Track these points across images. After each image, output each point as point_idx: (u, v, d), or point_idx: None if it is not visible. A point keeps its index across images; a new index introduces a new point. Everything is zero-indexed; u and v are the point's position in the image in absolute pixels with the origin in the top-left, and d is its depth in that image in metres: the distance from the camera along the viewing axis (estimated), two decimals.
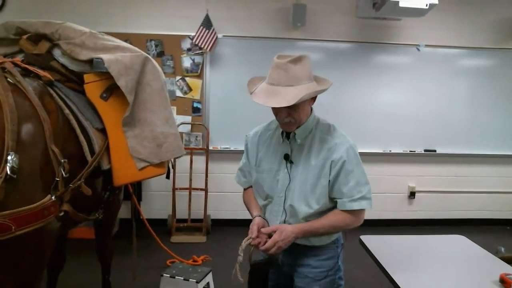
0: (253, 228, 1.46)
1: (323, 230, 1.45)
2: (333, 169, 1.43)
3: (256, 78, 1.51)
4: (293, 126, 1.46)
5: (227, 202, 4.21)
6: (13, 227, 1.31)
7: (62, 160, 1.52)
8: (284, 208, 1.51)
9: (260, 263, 1.55)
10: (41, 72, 1.71)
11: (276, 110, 1.43)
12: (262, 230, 1.43)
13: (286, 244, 1.38)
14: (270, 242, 1.37)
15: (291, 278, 1.62)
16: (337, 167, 1.42)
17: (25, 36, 1.90)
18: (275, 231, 1.39)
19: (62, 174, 1.52)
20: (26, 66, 1.68)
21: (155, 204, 4.21)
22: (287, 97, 1.32)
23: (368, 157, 4.30)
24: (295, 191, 1.48)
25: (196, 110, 4.12)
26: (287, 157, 1.50)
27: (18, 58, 1.78)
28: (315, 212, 1.47)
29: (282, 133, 1.52)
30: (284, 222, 1.52)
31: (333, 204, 1.48)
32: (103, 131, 1.89)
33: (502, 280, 1.68)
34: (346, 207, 1.43)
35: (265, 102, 1.35)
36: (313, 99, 1.48)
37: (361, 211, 1.47)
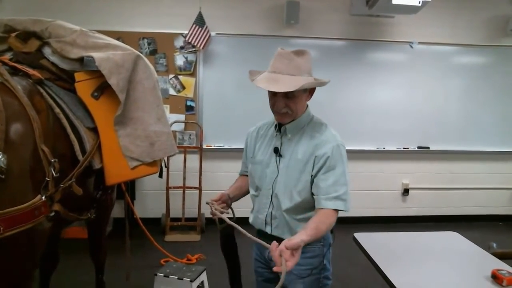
0: (217, 195, 1.64)
1: (324, 233, 1.39)
2: (316, 165, 1.44)
3: (255, 70, 1.53)
4: (288, 117, 1.48)
5: None
6: (2, 228, 1.30)
7: (53, 160, 1.50)
8: (271, 200, 1.54)
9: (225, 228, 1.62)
10: (30, 71, 1.69)
11: (274, 100, 1.45)
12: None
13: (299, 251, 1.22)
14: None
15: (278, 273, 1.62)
16: (320, 162, 1.43)
17: (13, 34, 1.87)
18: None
19: (53, 174, 1.51)
20: (15, 64, 1.66)
21: (149, 203, 4.19)
22: (288, 84, 1.35)
23: (362, 155, 4.34)
24: (281, 185, 1.50)
25: (189, 109, 4.10)
26: (276, 151, 1.53)
27: (6, 57, 1.76)
28: (296, 206, 1.48)
29: (275, 126, 1.55)
30: (271, 214, 1.54)
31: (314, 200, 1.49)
32: (94, 130, 1.88)
33: (494, 276, 1.70)
34: (321, 205, 1.42)
35: (266, 87, 1.38)
36: (310, 94, 1.50)
37: (336, 212, 1.45)
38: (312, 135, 1.49)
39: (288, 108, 1.44)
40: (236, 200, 1.75)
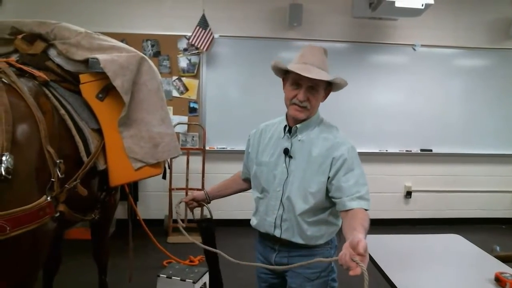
0: (190, 195, 1.76)
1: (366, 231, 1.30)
2: (334, 166, 1.43)
3: (280, 62, 1.52)
4: (304, 113, 1.46)
5: (224, 203, 4.15)
6: (8, 228, 1.31)
7: (58, 161, 1.51)
8: (281, 202, 1.52)
9: (203, 220, 1.87)
10: (36, 72, 1.70)
11: (297, 92, 1.44)
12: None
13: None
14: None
15: (284, 278, 1.63)
16: (337, 164, 1.42)
17: (20, 36, 1.89)
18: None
19: (58, 175, 1.52)
20: (21, 66, 1.67)
21: (152, 204, 4.20)
22: (321, 75, 1.39)
23: (364, 157, 4.26)
24: (293, 186, 1.48)
25: (192, 110, 4.12)
26: (286, 152, 1.51)
27: (13, 58, 1.77)
28: (310, 208, 1.47)
29: (284, 128, 1.54)
30: (281, 217, 1.52)
31: (328, 202, 1.48)
32: (99, 131, 1.89)
33: (497, 279, 1.70)
34: (346, 207, 1.39)
35: (302, 72, 1.37)
36: (325, 96, 1.52)
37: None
38: (325, 137, 1.49)
39: (307, 102, 1.44)
40: (218, 198, 1.83)
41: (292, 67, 1.42)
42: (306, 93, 1.43)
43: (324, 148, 1.46)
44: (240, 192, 1.85)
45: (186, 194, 4.00)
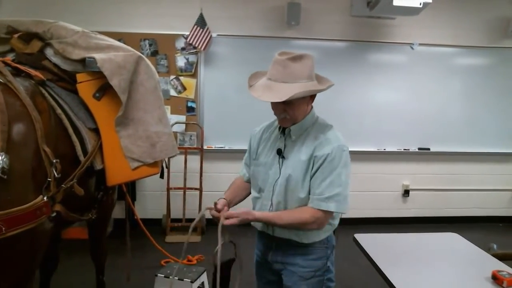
0: (220, 201, 1.51)
1: (284, 223, 1.44)
2: (316, 164, 1.43)
3: (260, 72, 1.53)
4: (288, 122, 1.49)
5: None
6: (4, 228, 1.30)
7: (54, 160, 1.51)
8: (271, 201, 1.53)
9: (224, 263, 1.51)
10: (33, 72, 1.69)
11: (274, 105, 1.46)
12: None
13: (243, 221, 1.43)
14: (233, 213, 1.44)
15: (281, 276, 1.63)
16: (318, 162, 1.42)
17: (16, 35, 1.88)
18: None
19: (54, 174, 1.51)
20: (17, 65, 1.66)
21: (150, 204, 4.20)
22: (280, 93, 1.36)
23: (362, 156, 4.34)
24: (283, 186, 1.49)
25: (190, 110, 4.11)
26: (279, 152, 1.52)
27: (9, 58, 1.76)
28: (298, 207, 1.48)
29: (279, 128, 1.55)
30: None
31: None
32: (96, 131, 1.88)
33: (494, 277, 1.70)
34: (314, 205, 1.41)
35: (258, 96, 1.39)
36: (312, 98, 1.49)
37: (328, 213, 1.43)
38: (316, 136, 1.48)
39: (286, 114, 1.45)
40: (235, 204, 1.66)
41: (255, 87, 1.45)
42: (281, 107, 1.44)
43: (311, 147, 1.46)
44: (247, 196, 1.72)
45: (184, 193, 4.00)
